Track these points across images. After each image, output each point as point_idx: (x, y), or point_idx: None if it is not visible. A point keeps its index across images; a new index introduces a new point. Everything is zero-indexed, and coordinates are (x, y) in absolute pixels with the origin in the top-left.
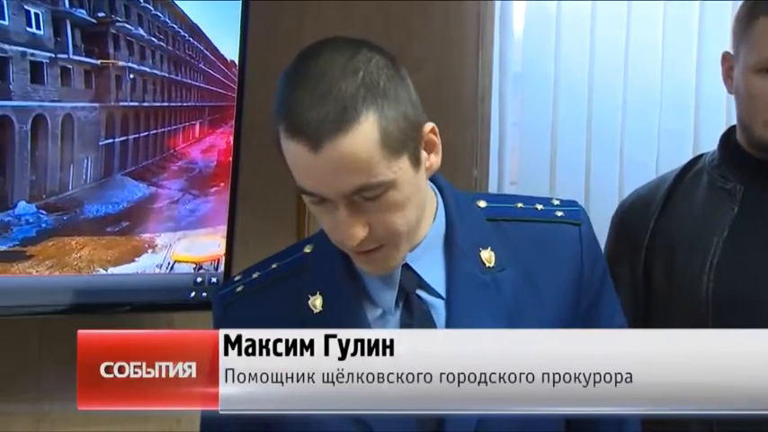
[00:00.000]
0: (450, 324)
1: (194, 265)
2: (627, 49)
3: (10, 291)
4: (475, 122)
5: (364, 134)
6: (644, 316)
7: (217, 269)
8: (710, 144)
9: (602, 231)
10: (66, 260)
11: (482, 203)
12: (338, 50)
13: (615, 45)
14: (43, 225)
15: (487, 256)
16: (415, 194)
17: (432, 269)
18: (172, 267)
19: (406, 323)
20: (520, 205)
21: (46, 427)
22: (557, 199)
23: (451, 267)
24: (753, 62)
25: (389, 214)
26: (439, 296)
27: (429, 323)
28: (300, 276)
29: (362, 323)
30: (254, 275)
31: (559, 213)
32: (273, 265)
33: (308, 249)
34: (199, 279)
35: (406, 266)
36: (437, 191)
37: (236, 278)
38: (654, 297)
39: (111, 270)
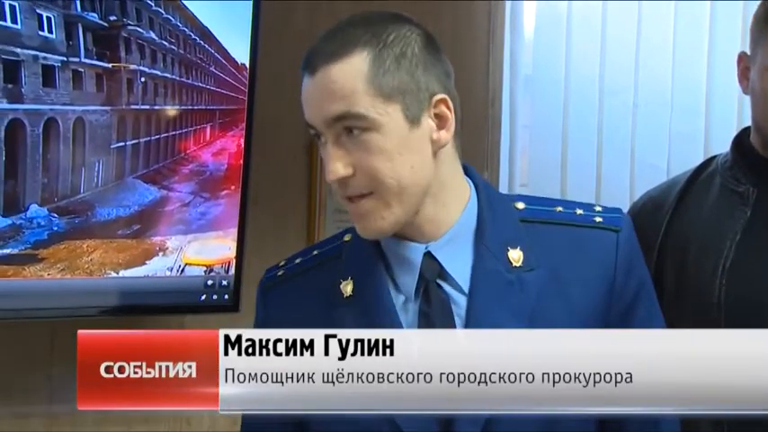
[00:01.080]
0: (470, 319)
1: (205, 268)
2: (637, 51)
3: (22, 293)
4: (485, 125)
5: (352, 65)
6: None
7: (227, 272)
8: (722, 146)
9: None
10: (77, 263)
11: (520, 205)
12: (378, 14)
13: (626, 47)
14: (55, 228)
15: (516, 255)
16: (409, 152)
17: (457, 262)
18: (183, 270)
19: (424, 311)
20: (559, 209)
21: (57, 428)
22: (600, 206)
23: (477, 264)
24: None
25: (374, 159)
26: (461, 290)
27: (446, 313)
28: (336, 262)
29: (389, 309)
30: (297, 261)
31: (598, 219)
32: (315, 252)
33: (347, 238)
34: (209, 282)
35: (429, 255)
36: (472, 185)
37: (281, 263)
38: (665, 300)
39: (123, 273)
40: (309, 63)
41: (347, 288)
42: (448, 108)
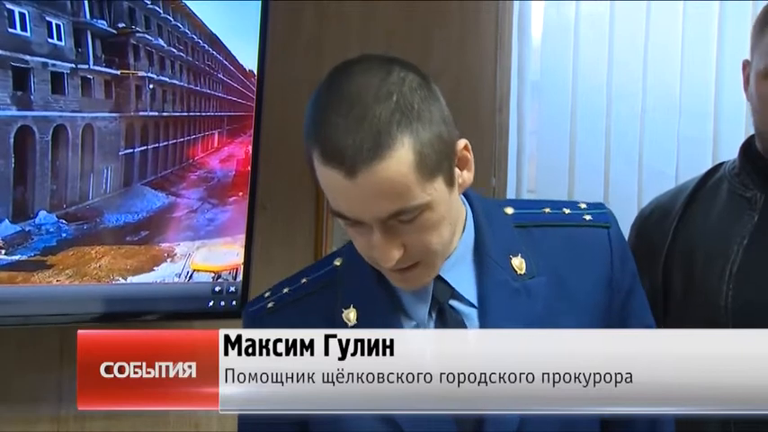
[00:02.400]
0: None
1: (213, 275)
2: (645, 56)
3: (31, 300)
4: (493, 131)
5: (400, 160)
6: (662, 326)
7: (235, 278)
8: (730, 152)
9: None
10: (85, 269)
11: (509, 210)
12: (370, 71)
13: (633, 52)
14: (63, 234)
15: (518, 263)
16: (449, 212)
17: (463, 279)
18: (191, 276)
19: None
20: (547, 210)
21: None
22: (583, 202)
23: (482, 276)
24: (762, 67)
25: (425, 235)
26: (471, 305)
27: None
28: (332, 290)
29: None
30: (285, 290)
31: (587, 217)
32: (303, 280)
33: (337, 263)
34: (217, 288)
35: (439, 278)
36: (466, 201)
37: (266, 294)
38: (672, 305)
39: (131, 279)
40: (341, 161)
41: (350, 316)
42: (468, 151)
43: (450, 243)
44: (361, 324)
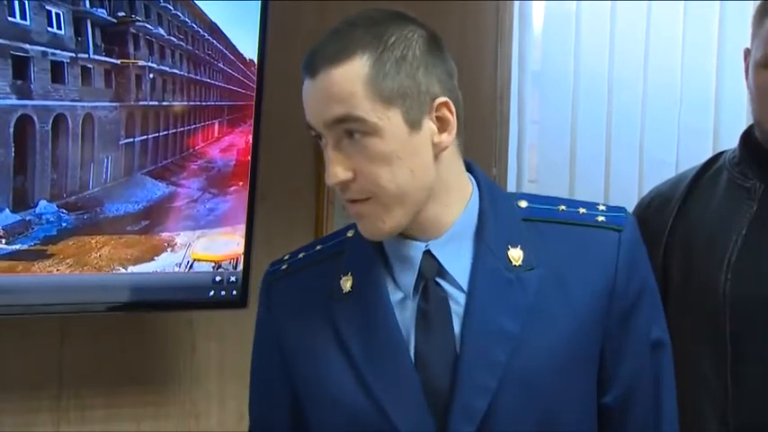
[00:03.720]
0: (468, 317)
1: (213, 264)
2: (647, 45)
3: (31, 289)
4: (494, 120)
5: (352, 68)
6: None
7: (236, 268)
8: (731, 141)
9: None
10: (86, 259)
11: (523, 204)
12: (381, 13)
13: (635, 41)
14: (64, 224)
15: (516, 254)
16: (409, 157)
17: (456, 259)
18: (191, 266)
19: (422, 309)
20: (562, 208)
21: (66, 423)
22: (603, 205)
23: (476, 262)
24: (759, 57)
25: (374, 164)
26: (460, 287)
27: (444, 311)
28: (338, 258)
29: (385, 306)
30: (300, 255)
31: (601, 218)
32: (318, 247)
33: (350, 234)
34: (218, 278)
35: (428, 253)
36: (475, 184)
37: (285, 257)
38: (671, 294)
39: (131, 269)
40: (310, 65)
41: (346, 284)
42: (450, 111)
43: (414, 194)
44: (353, 291)
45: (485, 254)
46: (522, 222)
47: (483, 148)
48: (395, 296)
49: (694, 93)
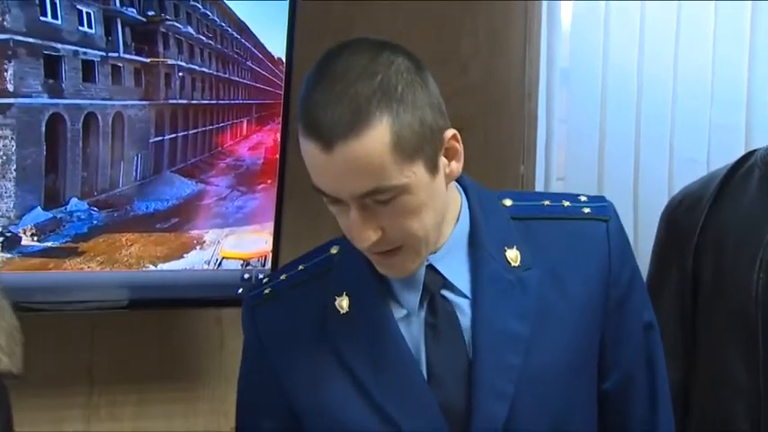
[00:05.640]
0: (476, 324)
1: (242, 262)
2: (677, 42)
3: (63, 286)
4: (522, 119)
5: (376, 138)
6: (692, 316)
7: (264, 265)
8: (763, 139)
9: (651, 228)
10: (116, 256)
11: (508, 202)
12: (360, 52)
13: (665, 38)
14: (94, 221)
15: (513, 255)
16: (432, 200)
17: (456, 269)
18: (220, 264)
19: (430, 323)
20: (546, 203)
21: (97, 420)
22: (584, 195)
23: (477, 267)
24: None
25: (404, 219)
26: (464, 295)
27: (454, 323)
28: (327, 277)
29: (389, 323)
30: (282, 277)
31: (587, 210)
32: (300, 267)
33: (334, 251)
34: (246, 275)
35: (431, 267)
36: (461, 191)
37: (265, 280)
38: (702, 295)
39: (161, 266)
40: (321, 137)
41: (342, 304)
42: (457, 141)
43: (435, 231)
44: (352, 312)
45: (484, 258)
46: (512, 221)
47: (511, 146)
48: (398, 313)
49: (725, 90)
